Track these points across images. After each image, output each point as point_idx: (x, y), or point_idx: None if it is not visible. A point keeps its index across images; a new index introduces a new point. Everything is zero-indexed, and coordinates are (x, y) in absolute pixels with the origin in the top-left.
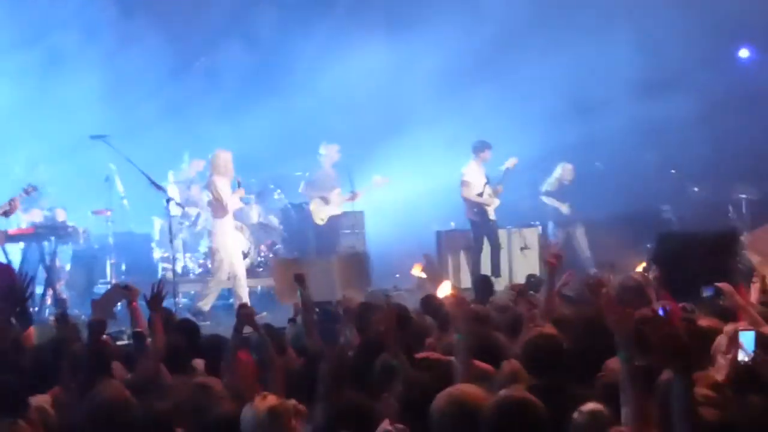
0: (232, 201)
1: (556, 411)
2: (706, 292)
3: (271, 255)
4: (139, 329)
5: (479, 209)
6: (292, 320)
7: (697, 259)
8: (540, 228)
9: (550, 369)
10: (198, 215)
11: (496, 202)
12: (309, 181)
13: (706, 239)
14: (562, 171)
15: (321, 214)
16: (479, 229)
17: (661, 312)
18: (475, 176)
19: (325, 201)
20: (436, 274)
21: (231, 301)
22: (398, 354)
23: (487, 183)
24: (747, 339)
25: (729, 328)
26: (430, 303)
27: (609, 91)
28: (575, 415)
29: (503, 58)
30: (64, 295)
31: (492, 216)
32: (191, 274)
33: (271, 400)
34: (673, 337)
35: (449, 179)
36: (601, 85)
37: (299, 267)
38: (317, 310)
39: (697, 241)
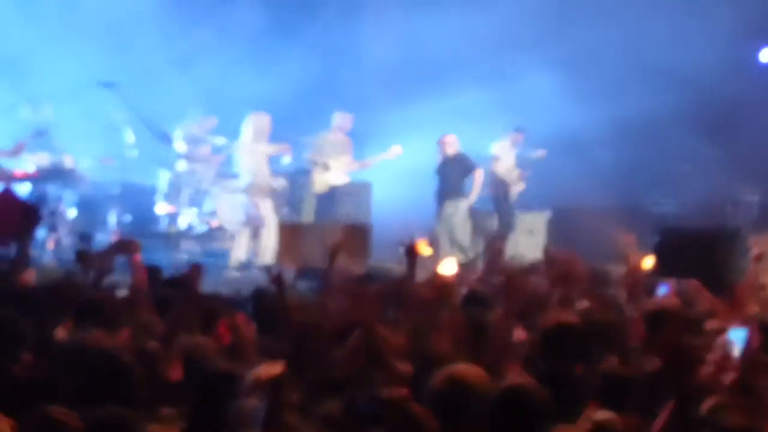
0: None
1: (563, 397)
2: None
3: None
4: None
5: (503, 187)
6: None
7: (697, 255)
8: (549, 213)
9: (566, 357)
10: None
11: (521, 185)
12: (313, 145)
13: (709, 236)
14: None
15: (320, 182)
16: (503, 207)
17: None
18: (506, 154)
19: (326, 168)
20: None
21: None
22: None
23: (515, 165)
24: (738, 337)
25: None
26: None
27: (631, 77)
28: (584, 423)
29: (537, 27)
30: (67, 241)
31: (514, 197)
32: (193, 232)
33: (277, 368)
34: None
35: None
36: (628, 69)
37: (301, 232)
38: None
39: (699, 237)
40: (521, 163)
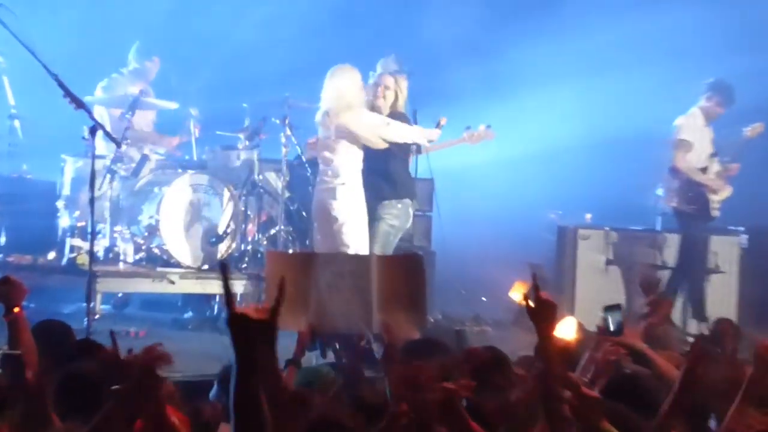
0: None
1: None
2: None
3: (263, 241)
4: (15, 351)
5: (697, 194)
6: (292, 362)
7: None
8: (743, 236)
9: None
10: (143, 160)
11: (727, 189)
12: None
13: None
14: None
15: None
16: (691, 227)
17: None
18: (698, 136)
19: None
20: (551, 302)
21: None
22: None
23: (714, 155)
24: None
25: None
26: None
27: None
28: None
29: None
30: None
31: (716, 211)
32: (121, 262)
33: None
34: None
35: (588, 137)
36: None
37: (306, 266)
38: (337, 345)
39: None
40: (723, 149)
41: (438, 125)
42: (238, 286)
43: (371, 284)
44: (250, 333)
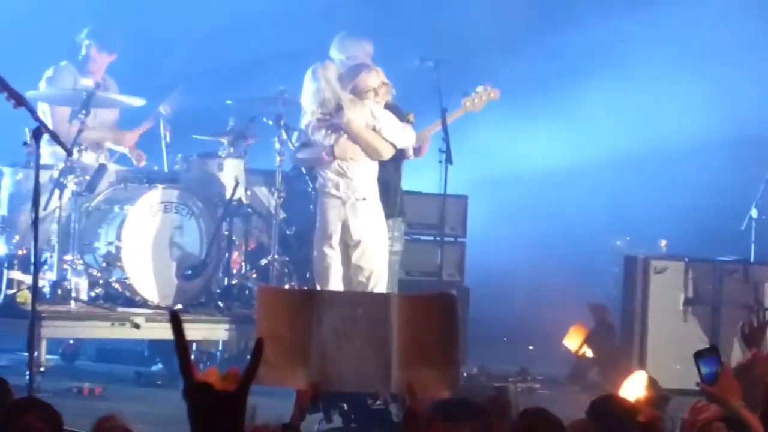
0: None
1: None
2: None
3: (252, 274)
4: None
5: None
6: (289, 428)
7: None
8: None
9: None
10: (100, 171)
11: None
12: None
13: None
14: None
15: None
16: None
17: None
18: None
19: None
20: (615, 351)
21: None
22: None
23: None
24: None
25: None
26: (603, 412)
27: None
28: None
29: None
30: None
31: None
32: (72, 301)
33: None
34: None
35: (662, 142)
36: None
37: (311, 306)
38: (345, 407)
39: None
40: None
41: (408, 122)
42: (221, 332)
43: (390, 330)
44: (212, 408)
